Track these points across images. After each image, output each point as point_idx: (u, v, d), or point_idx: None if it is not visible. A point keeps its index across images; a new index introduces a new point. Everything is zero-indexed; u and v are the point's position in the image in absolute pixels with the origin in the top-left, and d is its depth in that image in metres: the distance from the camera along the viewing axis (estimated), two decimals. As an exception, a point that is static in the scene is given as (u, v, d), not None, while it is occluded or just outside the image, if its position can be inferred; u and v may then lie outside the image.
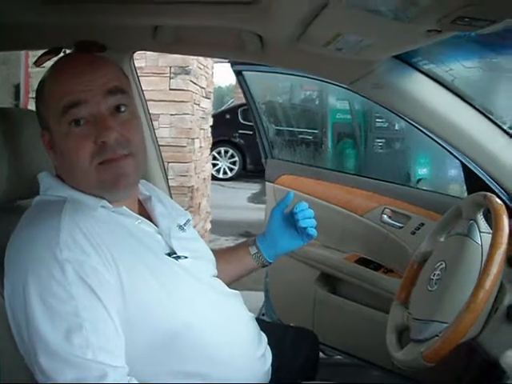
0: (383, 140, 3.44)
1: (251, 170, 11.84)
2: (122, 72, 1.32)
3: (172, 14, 1.44)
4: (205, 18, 1.45)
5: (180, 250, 1.30)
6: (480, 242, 1.41)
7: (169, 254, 1.27)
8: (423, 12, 0.94)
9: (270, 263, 1.64)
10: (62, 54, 1.30)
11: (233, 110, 12.36)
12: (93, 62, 1.24)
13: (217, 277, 1.43)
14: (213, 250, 1.53)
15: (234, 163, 12.49)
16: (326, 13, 1.16)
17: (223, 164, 12.42)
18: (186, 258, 1.30)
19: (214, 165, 12.12)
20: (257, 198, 9.61)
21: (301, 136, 3.55)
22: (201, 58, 5.01)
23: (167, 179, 2.19)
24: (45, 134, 1.25)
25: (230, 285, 1.46)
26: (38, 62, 1.32)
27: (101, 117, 1.18)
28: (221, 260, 1.53)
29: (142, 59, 4.36)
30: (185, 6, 1.35)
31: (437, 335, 1.34)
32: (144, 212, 1.35)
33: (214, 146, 11.40)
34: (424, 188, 2.79)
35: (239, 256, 1.63)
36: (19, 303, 1.07)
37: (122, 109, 1.22)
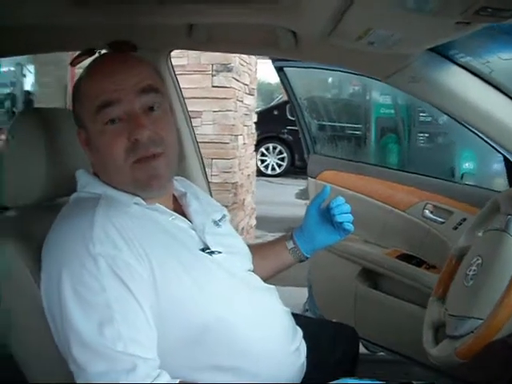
0: (427, 134, 3.40)
1: (299, 167, 11.76)
2: (156, 71, 1.34)
3: (206, 13, 1.45)
4: (239, 16, 1.47)
5: (214, 245, 1.31)
6: (517, 238, 1.39)
7: (203, 250, 1.28)
8: (446, 4, 0.93)
9: (307, 258, 1.63)
10: (96, 55, 1.33)
11: (281, 107, 12.32)
12: (126, 62, 1.27)
13: (253, 271, 1.44)
14: (249, 246, 1.53)
15: (282, 159, 12.48)
16: (354, 8, 1.15)
17: (271, 160, 12.43)
18: (219, 253, 1.31)
19: (263, 161, 12.17)
20: (304, 195, 9.54)
21: (344, 131, 3.53)
22: (243, 55, 5.03)
23: (206, 176, 2.21)
24: (81, 132, 1.28)
25: (267, 280, 1.47)
26: (73, 63, 1.35)
27: (134, 115, 1.21)
28: (257, 255, 1.53)
29: (184, 57, 4.41)
30: (219, 4, 1.37)
31: (472, 332, 1.32)
32: (179, 208, 1.37)
33: (263, 142, 11.52)
34: (467, 183, 2.75)
35: (276, 251, 1.63)
36: (54, 295, 1.10)
37: (155, 107, 1.25)
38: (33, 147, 1.34)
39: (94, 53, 1.33)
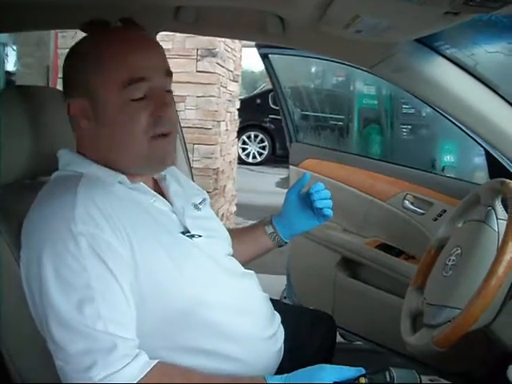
0: (409, 126, 3.41)
1: (280, 155, 11.78)
2: None
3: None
4: (227, -1, 1.46)
5: (194, 228, 1.31)
6: (497, 229, 1.40)
7: (183, 233, 1.28)
8: (435, -7, 0.94)
9: (286, 243, 1.65)
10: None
11: (263, 95, 12.32)
12: (149, 40, 1.28)
13: (233, 256, 1.44)
14: (229, 230, 1.53)
15: (263, 148, 12.49)
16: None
17: (253, 148, 12.43)
18: (199, 236, 1.31)
19: (244, 149, 12.15)
20: (285, 183, 9.55)
21: (326, 121, 3.53)
22: (228, 41, 5.01)
23: (189, 161, 2.20)
24: (80, 102, 1.22)
25: (246, 264, 1.48)
26: (84, 30, 1.28)
27: (160, 93, 1.23)
28: (236, 239, 1.54)
29: (170, 41, 4.39)
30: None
31: (449, 321, 1.33)
32: (159, 191, 1.36)
33: (244, 130, 11.50)
34: (447, 175, 2.76)
35: (256, 235, 1.64)
36: (34, 274, 1.10)
37: (171, 90, 1.28)
38: (15, 124, 1.32)
39: (109, 24, 1.28)
